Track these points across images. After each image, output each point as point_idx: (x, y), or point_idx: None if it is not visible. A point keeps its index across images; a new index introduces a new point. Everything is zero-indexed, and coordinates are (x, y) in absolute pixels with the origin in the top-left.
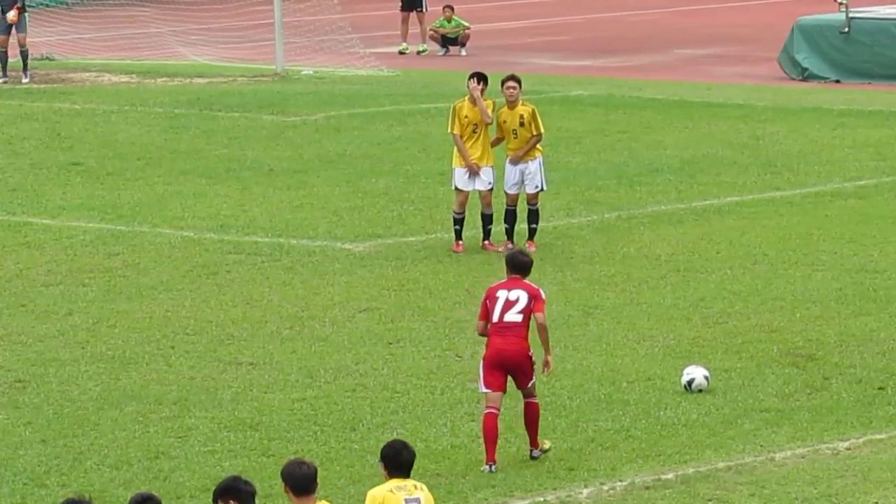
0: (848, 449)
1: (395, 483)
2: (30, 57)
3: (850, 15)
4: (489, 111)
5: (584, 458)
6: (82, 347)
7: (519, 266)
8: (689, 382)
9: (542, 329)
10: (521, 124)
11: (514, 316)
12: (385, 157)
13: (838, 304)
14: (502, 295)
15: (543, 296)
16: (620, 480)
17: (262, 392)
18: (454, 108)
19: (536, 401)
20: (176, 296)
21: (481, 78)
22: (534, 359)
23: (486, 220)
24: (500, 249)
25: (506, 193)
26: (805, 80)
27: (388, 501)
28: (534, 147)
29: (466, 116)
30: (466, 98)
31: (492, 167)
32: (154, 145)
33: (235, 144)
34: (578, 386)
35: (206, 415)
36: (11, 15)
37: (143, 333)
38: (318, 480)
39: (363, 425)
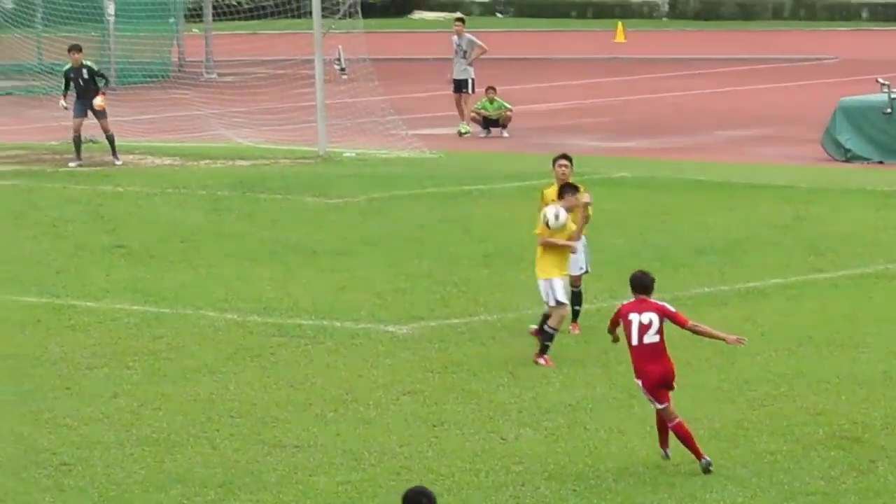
0: None
1: None
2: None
3: (893, 96)
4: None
5: None
6: (127, 430)
7: (643, 285)
8: None
9: (701, 332)
10: None
11: (652, 338)
12: (428, 239)
13: (884, 385)
14: (634, 319)
15: (672, 308)
16: None
17: (306, 475)
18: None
19: (679, 420)
20: (220, 378)
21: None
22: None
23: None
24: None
25: None
26: (848, 161)
27: None
28: (583, 226)
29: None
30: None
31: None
32: (197, 227)
33: (278, 227)
34: (624, 468)
35: (251, 498)
36: (99, 101)
37: (188, 416)
38: None
39: None
